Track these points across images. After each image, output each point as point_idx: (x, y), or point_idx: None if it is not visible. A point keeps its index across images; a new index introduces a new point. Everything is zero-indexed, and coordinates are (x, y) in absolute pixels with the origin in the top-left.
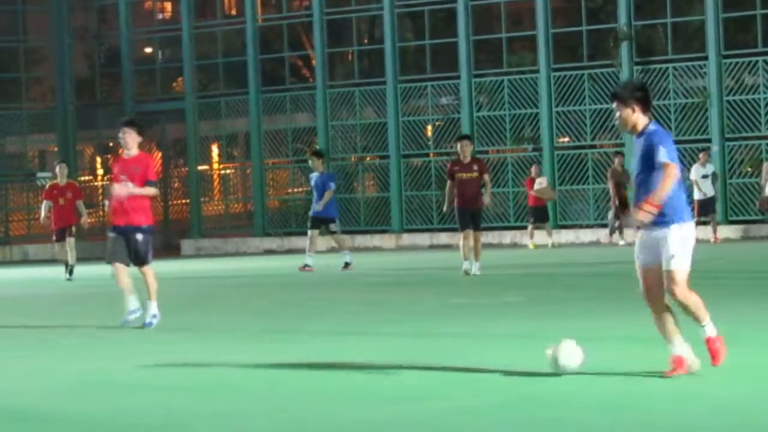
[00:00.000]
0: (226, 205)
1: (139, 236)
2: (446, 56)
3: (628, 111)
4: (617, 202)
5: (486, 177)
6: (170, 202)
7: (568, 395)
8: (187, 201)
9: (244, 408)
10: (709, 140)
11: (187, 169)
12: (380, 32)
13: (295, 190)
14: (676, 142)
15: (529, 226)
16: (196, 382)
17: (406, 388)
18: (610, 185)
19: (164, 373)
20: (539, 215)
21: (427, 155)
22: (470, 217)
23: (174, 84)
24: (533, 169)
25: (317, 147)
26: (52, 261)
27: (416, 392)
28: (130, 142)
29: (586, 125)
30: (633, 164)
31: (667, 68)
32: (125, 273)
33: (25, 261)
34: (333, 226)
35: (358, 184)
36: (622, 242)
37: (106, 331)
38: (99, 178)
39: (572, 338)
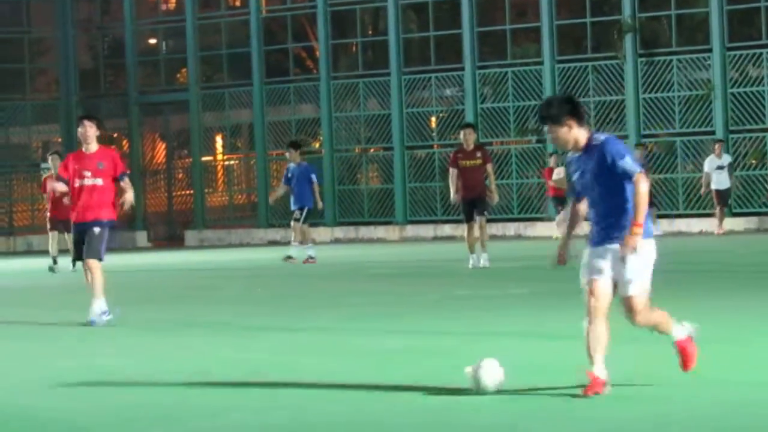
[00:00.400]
0: (230, 196)
1: (96, 229)
2: (450, 48)
3: (563, 130)
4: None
5: (489, 167)
6: (174, 193)
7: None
8: (191, 192)
9: (242, 402)
10: (713, 132)
11: (190, 160)
12: (384, 24)
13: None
14: (681, 135)
15: (560, 215)
16: (195, 375)
17: (404, 383)
18: None
19: (164, 367)
20: (563, 204)
21: (431, 147)
22: (474, 205)
23: (178, 75)
24: (552, 159)
25: (321, 136)
26: (58, 252)
27: (414, 387)
28: (91, 136)
29: (590, 117)
30: (577, 183)
31: (671, 60)
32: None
33: (29, 252)
34: (297, 213)
35: (362, 176)
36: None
37: (105, 325)
38: None
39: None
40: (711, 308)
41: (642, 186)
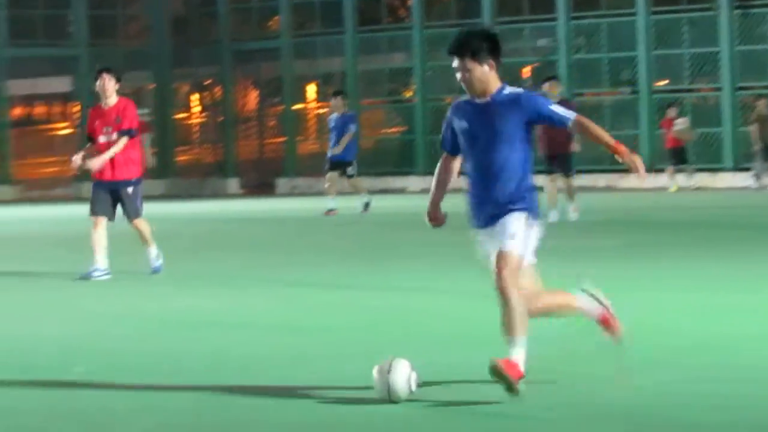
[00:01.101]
0: (322, 144)
1: (129, 189)
2: None
3: (484, 69)
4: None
5: None
6: (265, 141)
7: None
8: (283, 139)
9: (329, 351)
10: None
11: (282, 107)
12: None
13: (390, 130)
14: None
15: (670, 168)
16: (284, 322)
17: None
18: (753, 128)
19: (250, 313)
20: (679, 156)
21: None
22: (558, 161)
23: (270, 23)
24: (671, 111)
25: (414, 85)
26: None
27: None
28: (109, 89)
29: (684, 69)
30: (464, 135)
31: (767, 13)
32: (103, 228)
33: None
34: (350, 170)
35: None
36: (755, 185)
37: (188, 271)
38: (194, 116)
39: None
40: None
41: (589, 121)
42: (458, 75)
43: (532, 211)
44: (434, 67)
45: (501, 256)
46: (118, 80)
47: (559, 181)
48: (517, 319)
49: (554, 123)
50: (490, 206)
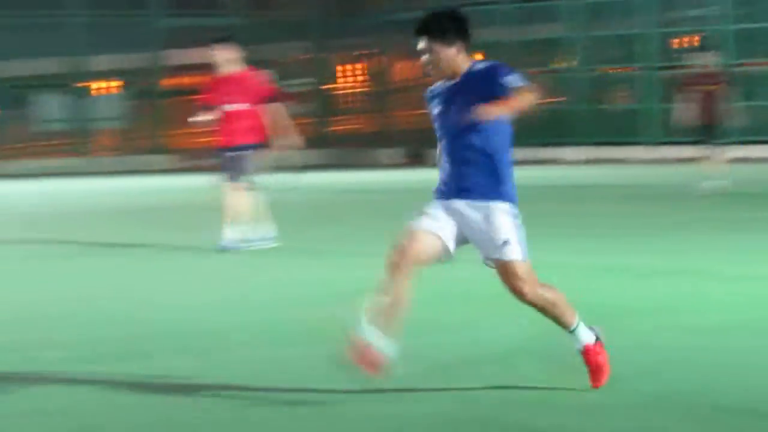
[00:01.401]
0: None
1: (245, 153)
2: None
3: (450, 52)
4: None
5: (726, 90)
6: (421, 112)
7: None
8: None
9: (471, 317)
10: None
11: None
12: None
13: (548, 99)
14: None
15: None
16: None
17: (649, 302)
18: None
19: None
20: None
21: (683, 67)
22: (709, 132)
23: None
24: None
25: (577, 56)
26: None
27: (655, 307)
28: (224, 60)
29: None
30: (438, 119)
31: None
32: (247, 197)
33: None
34: None
35: (610, 96)
36: None
37: (352, 240)
38: (351, 86)
39: None
40: None
41: (529, 93)
42: (424, 57)
43: (512, 198)
44: (590, 37)
45: (507, 270)
46: (235, 49)
47: (712, 153)
48: (564, 310)
49: (504, 88)
50: (457, 183)
